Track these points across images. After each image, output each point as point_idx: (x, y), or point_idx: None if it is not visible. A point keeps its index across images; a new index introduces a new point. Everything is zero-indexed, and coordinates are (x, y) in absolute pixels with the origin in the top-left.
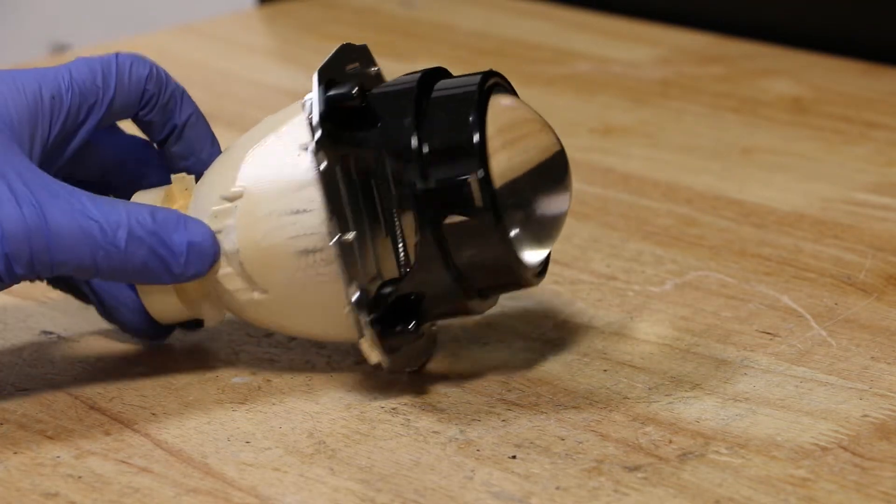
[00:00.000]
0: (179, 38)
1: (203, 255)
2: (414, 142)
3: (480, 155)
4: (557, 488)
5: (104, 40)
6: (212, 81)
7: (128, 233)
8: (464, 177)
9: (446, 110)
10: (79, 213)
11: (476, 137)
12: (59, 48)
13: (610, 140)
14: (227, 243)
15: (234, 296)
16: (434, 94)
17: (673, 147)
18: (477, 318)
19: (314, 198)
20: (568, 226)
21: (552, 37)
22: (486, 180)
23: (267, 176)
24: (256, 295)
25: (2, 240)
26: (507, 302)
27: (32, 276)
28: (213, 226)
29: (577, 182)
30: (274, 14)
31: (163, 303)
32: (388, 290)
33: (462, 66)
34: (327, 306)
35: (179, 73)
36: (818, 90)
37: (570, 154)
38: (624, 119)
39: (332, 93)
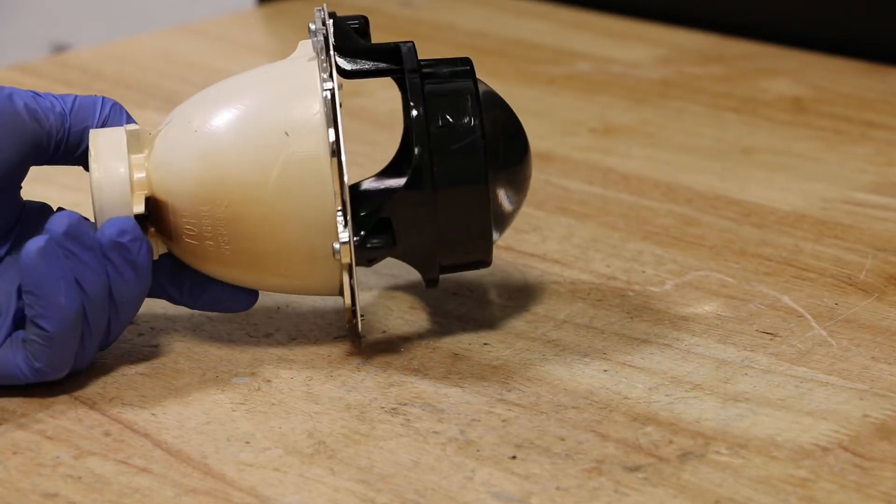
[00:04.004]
0: (179, 38)
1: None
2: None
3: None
4: (557, 488)
5: (104, 40)
6: (211, 81)
7: None
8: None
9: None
10: None
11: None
12: (59, 48)
13: (610, 140)
14: None
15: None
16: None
17: (673, 147)
18: (477, 318)
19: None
20: (568, 226)
21: (552, 37)
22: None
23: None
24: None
25: None
26: (508, 302)
27: None
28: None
29: (577, 182)
30: (274, 14)
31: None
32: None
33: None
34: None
35: (179, 73)
36: (818, 90)
37: (570, 154)
38: (624, 119)
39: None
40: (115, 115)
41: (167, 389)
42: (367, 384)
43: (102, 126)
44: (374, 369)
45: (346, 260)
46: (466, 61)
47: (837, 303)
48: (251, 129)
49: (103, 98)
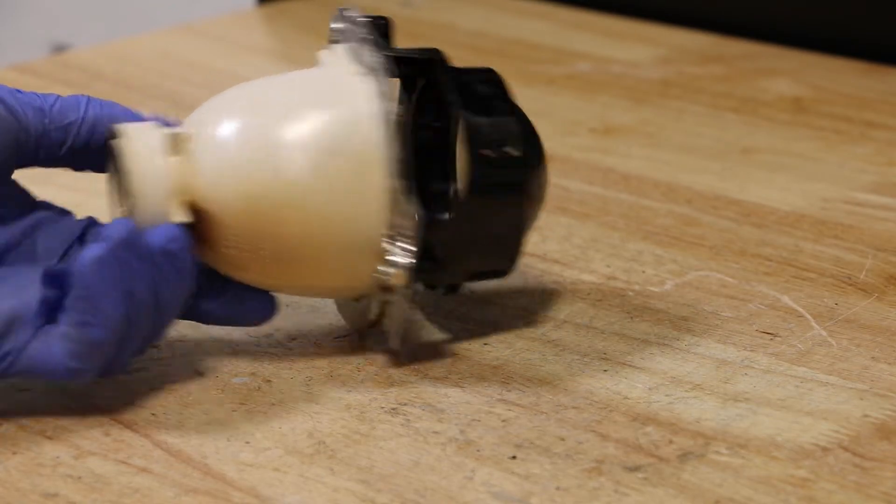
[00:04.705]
0: (179, 38)
1: None
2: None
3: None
4: (557, 488)
5: (104, 40)
6: (212, 81)
7: None
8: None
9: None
10: None
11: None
12: (59, 48)
13: (610, 140)
14: None
15: None
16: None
17: (673, 147)
18: (477, 318)
19: None
20: (568, 226)
21: (552, 37)
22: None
23: None
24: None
25: None
26: (508, 301)
27: None
28: None
29: (577, 182)
30: (274, 14)
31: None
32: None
33: (462, 65)
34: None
35: (179, 73)
36: (818, 90)
37: (570, 154)
38: (624, 119)
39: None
40: (103, 113)
41: (167, 389)
42: (367, 384)
43: (86, 124)
44: (374, 369)
45: (399, 282)
46: (496, 79)
47: (837, 303)
48: (309, 143)
49: (88, 98)
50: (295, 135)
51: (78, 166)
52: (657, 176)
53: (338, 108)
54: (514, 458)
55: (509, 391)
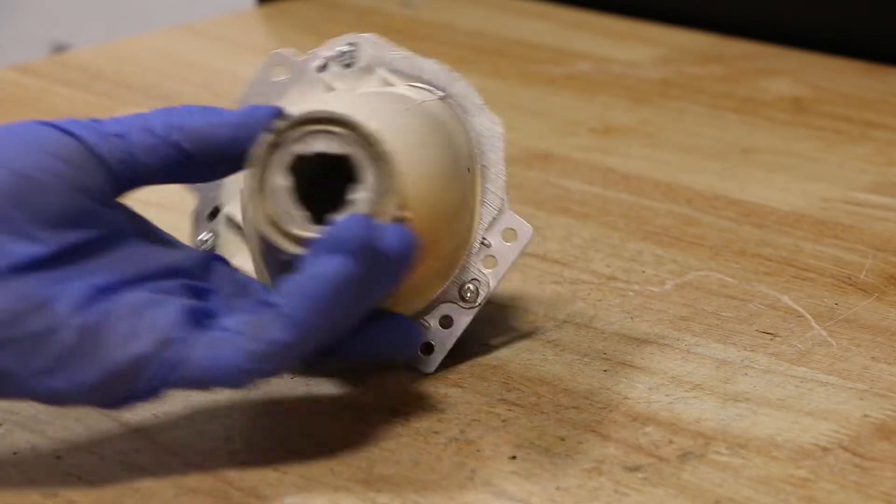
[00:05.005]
0: (179, 38)
1: None
2: None
3: None
4: (557, 488)
5: (104, 40)
6: (212, 81)
7: None
8: None
9: None
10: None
11: None
12: (59, 48)
13: (610, 140)
14: None
15: None
16: None
17: (673, 147)
18: (477, 318)
19: None
20: (568, 226)
21: (552, 37)
22: None
23: None
24: None
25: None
26: (508, 302)
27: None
28: None
29: (577, 182)
30: (274, 14)
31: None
32: None
33: (462, 65)
34: None
35: (179, 73)
36: (818, 90)
37: (570, 154)
38: (624, 119)
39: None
40: (192, 124)
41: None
42: (367, 384)
43: (176, 138)
44: (374, 369)
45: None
46: None
47: (837, 303)
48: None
49: (168, 111)
50: (443, 171)
51: (186, 179)
52: (657, 176)
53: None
54: (514, 458)
55: (509, 391)
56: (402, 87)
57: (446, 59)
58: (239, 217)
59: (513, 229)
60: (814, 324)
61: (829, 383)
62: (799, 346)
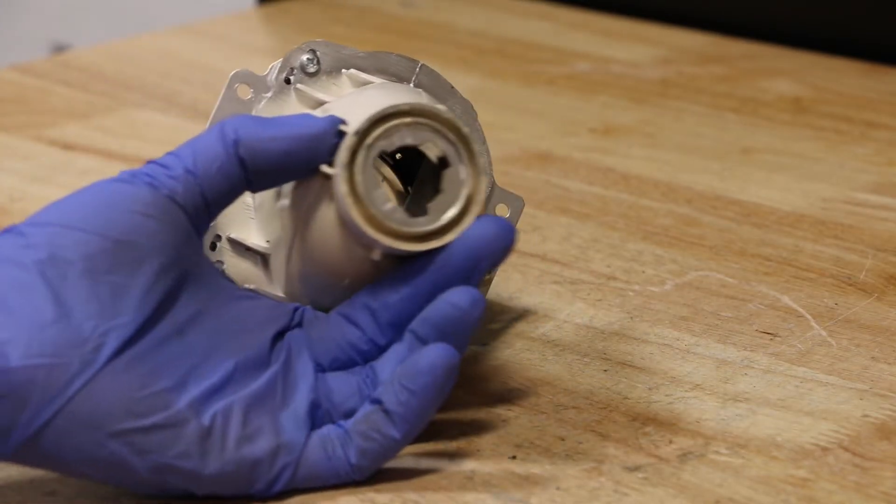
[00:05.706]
0: (179, 38)
1: None
2: None
3: None
4: (557, 488)
5: (104, 40)
6: (212, 81)
7: None
8: None
9: None
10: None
11: None
12: (59, 48)
13: (610, 140)
14: None
15: None
16: None
17: (673, 147)
18: None
19: None
20: (568, 226)
21: (552, 37)
22: None
23: None
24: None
25: None
26: (508, 302)
27: None
28: None
29: (577, 182)
30: (274, 14)
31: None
32: None
33: (462, 65)
34: None
35: (179, 73)
36: (818, 90)
37: (570, 154)
38: (624, 119)
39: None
40: (250, 139)
41: None
42: None
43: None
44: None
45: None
46: None
47: (837, 303)
48: None
49: (222, 128)
50: None
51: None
52: (657, 176)
53: None
54: (514, 458)
55: (509, 391)
56: (379, 82)
57: (446, 59)
58: (249, 239)
59: (504, 205)
60: (814, 324)
61: (829, 383)
62: (799, 346)
